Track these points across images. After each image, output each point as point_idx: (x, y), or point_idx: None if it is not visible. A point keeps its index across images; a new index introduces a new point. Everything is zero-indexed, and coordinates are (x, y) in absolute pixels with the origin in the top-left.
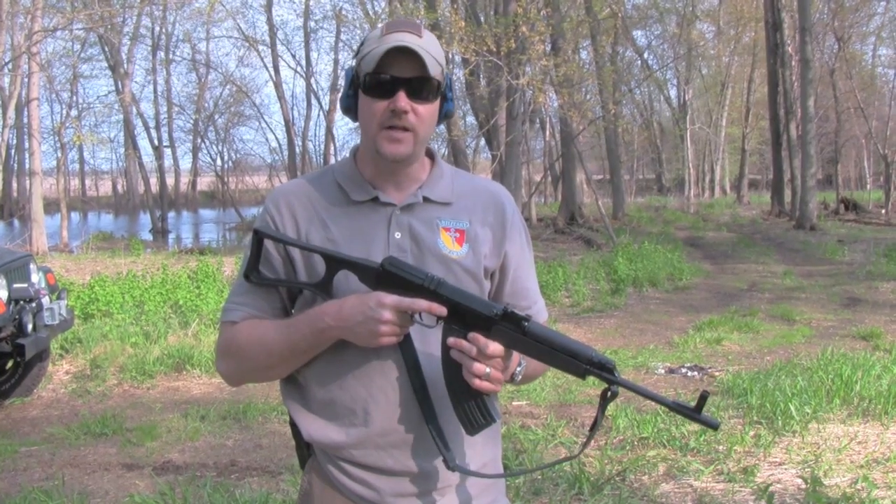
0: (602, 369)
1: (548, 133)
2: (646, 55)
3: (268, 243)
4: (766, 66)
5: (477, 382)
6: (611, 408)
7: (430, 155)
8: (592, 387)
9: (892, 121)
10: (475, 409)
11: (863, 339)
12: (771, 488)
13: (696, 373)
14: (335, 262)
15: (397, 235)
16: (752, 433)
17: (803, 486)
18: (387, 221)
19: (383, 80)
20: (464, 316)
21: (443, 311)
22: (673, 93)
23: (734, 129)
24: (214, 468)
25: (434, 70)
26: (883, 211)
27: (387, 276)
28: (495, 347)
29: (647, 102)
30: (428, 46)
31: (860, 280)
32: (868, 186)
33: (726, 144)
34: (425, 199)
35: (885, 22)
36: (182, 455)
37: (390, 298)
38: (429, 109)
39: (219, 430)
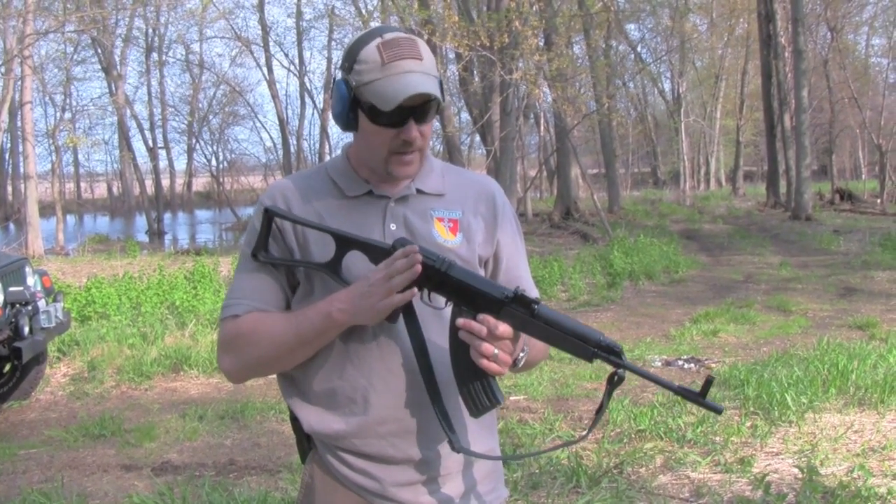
0: (610, 353)
1: (542, 128)
2: (639, 48)
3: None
4: (760, 58)
5: (485, 363)
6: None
7: None
8: (589, 381)
9: (886, 110)
10: (480, 391)
11: (859, 329)
12: (768, 478)
13: (692, 365)
14: (345, 243)
15: (393, 227)
16: (748, 424)
17: (800, 476)
18: (382, 214)
19: (393, 114)
20: (473, 298)
21: (414, 248)
22: (667, 86)
23: (729, 121)
24: (213, 468)
25: (437, 91)
26: (878, 200)
27: None
28: (505, 328)
29: (641, 96)
30: (429, 68)
31: (856, 270)
32: (863, 176)
33: (721, 136)
34: (418, 191)
35: (877, 12)
36: (180, 455)
37: (379, 265)
38: (430, 125)
39: (217, 429)
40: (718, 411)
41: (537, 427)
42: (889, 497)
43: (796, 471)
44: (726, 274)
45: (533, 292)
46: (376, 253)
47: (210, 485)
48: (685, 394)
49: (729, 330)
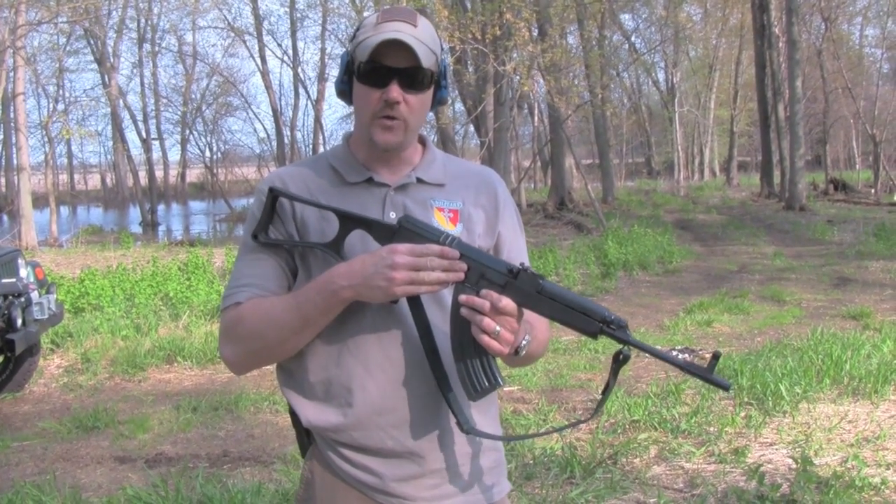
0: (616, 328)
1: (536, 118)
2: (633, 38)
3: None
4: (754, 48)
5: (486, 340)
6: (601, 391)
7: (422, 141)
8: (584, 371)
9: (880, 100)
10: (480, 371)
11: (852, 319)
12: (762, 468)
13: (686, 355)
14: (349, 221)
15: (392, 215)
16: (742, 414)
17: (794, 466)
18: (381, 201)
19: (377, 70)
20: (477, 274)
21: (455, 253)
22: (661, 76)
23: (723, 111)
24: (207, 459)
25: (427, 61)
26: (872, 190)
27: (402, 235)
28: (508, 302)
29: (635, 86)
30: (422, 36)
31: (850, 260)
32: (857, 166)
33: (715, 127)
34: (419, 181)
35: (871, 2)
36: (174, 447)
37: (403, 245)
38: (421, 99)
39: (210, 421)
40: (726, 388)
41: (531, 418)
42: (883, 487)
43: (790, 461)
44: (720, 264)
45: None
46: (381, 231)
47: (204, 476)
48: (692, 370)
49: (723, 320)
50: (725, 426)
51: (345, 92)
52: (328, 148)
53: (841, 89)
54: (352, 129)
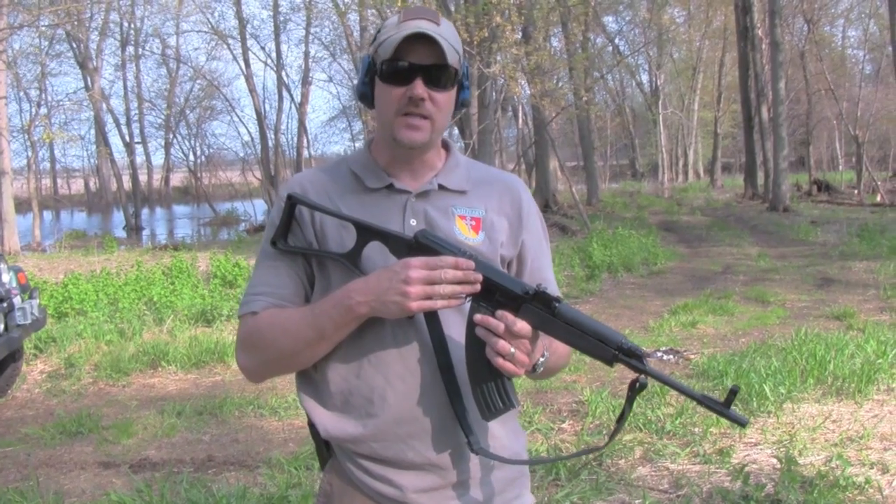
0: (631, 357)
1: (520, 121)
2: (617, 41)
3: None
4: (737, 50)
5: (500, 361)
6: (586, 393)
7: (446, 145)
8: (568, 373)
9: (863, 101)
10: (494, 392)
11: (836, 319)
12: (746, 468)
13: (671, 356)
14: (367, 232)
15: (413, 222)
16: None
17: (778, 466)
18: (402, 208)
19: (401, 68)
20: (493, 293)
21: (471, 264)
22: (645, 78)
23: (706, 112)
24: (191, 464)
25: (452, 58)
26: (855, 191)
27: (419, 249)
28: (523, 325)
29: (619, 88)
30: (445, 33)
31: (833, 260)
32: (840, 167)
33: (699, 128)
34: (441, 187)
35: (853, 3)
36: (158, 451)
37: (417, 259)
38: (446, 97)
39: (195, 425)
40: (743, 424)
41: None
42: (867, 486)
43: (775, 461)
44: (705, 265)
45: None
46: (397, 244)
47: (188, 481)
48: (708, 403)
49: (707, 321)
50: (710, 427)
51: (366, 95)
52: (312, 150)
53: (824, 91)
54: (340, 132)
